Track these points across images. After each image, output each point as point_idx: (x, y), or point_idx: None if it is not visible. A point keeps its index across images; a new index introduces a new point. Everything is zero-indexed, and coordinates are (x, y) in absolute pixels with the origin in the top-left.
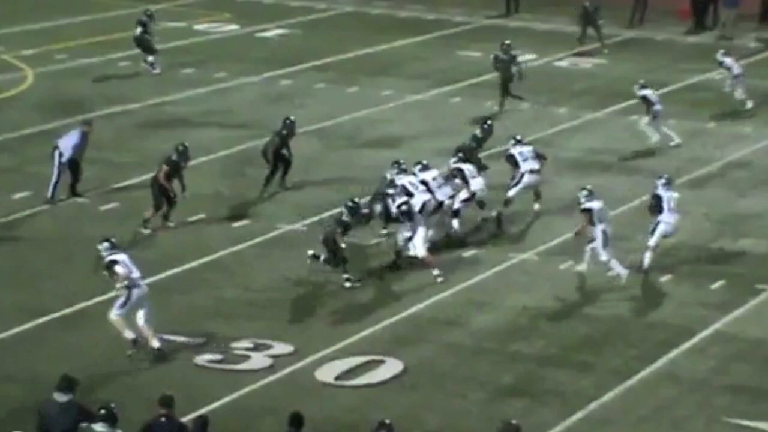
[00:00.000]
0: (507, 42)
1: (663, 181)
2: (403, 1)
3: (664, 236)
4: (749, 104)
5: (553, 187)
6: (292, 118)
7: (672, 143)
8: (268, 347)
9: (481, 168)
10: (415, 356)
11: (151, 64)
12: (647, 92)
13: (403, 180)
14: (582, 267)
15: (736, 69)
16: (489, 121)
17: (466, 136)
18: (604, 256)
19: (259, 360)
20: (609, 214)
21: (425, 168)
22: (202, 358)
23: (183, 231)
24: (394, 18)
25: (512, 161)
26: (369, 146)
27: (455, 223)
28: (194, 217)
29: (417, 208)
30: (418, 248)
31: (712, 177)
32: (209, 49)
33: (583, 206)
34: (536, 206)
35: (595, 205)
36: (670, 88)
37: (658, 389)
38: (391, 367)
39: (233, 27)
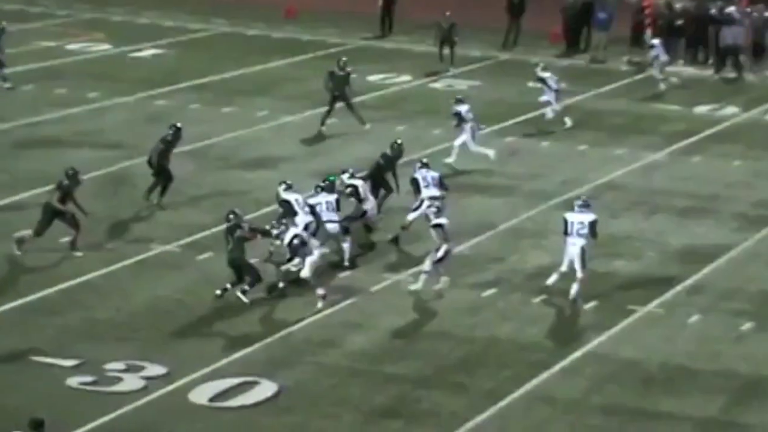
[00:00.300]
0: (344, 59)
1: (579, 203)
2: (278, 22)
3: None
4: (568, 122)
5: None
6: (179, 124)
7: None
8: (141, 369)
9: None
10: (289, 378)
11: (3, 78)
12: (462, 108)
13: (290, 196)
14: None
15: (554, 85)
16: (399, 141)
17: (340, 157)
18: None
19: (132, 382)
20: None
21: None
22: (74, 380)
23: (55, 252)
24: (269, 39)
25: (415, 185)
26: (244, 167)
27: (346, 244)
28: (66, 238)
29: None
30: (307, 270)
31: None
32: (82, 68)
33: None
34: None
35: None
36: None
37: (531, 410)
38: (266, 388)
39: (107, 47)
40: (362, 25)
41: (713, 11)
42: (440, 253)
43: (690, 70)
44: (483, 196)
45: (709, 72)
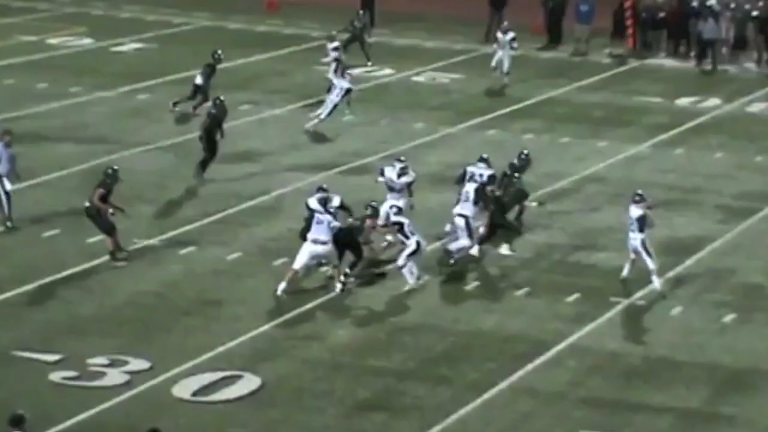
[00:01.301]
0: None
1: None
2: (261, 15)
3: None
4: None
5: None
6: (221, 97)
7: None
8: (125, 363)
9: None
10: (272, 372)
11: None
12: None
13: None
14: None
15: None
16: (526, 151)
17: (323, 151)
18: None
19: (115, 376)
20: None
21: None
22: (57, 375)
23: (38, 246)
24: (252, 32)
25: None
26: (227, 161)
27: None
28: (49, 233)
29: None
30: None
31: (567, 191)
32: (64, 63)
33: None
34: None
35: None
36: (526, 103)
37: (515, 402)
38: (249, 382)
39: (88, 41)
40: (343, 18)
41: (695, 4)
42: (411, 247)
43: (672, 63)
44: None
45: (690, 64)
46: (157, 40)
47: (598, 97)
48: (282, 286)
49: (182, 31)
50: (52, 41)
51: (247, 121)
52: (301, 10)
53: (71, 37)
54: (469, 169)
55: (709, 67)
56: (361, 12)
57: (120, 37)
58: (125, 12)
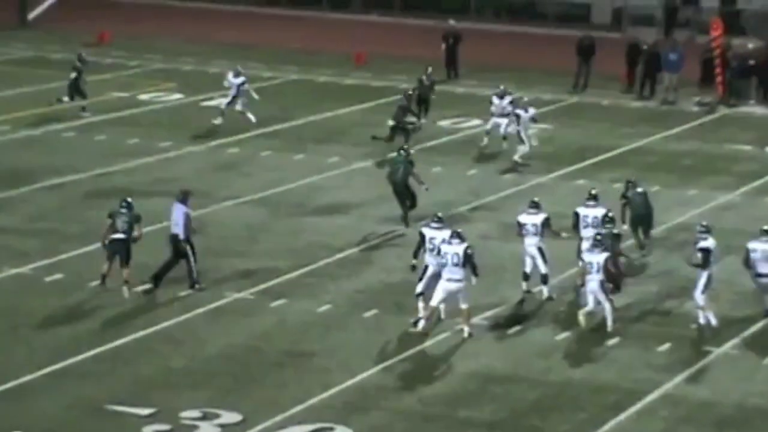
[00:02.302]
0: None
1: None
2: (349, 68)
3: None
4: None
5: (502, 251)
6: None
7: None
8: (217, 416)
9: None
10: (365, 423)
11: (83, 108)
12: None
13: None
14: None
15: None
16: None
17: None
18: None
19: (207, 430)
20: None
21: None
22: (150, 429)
23: (129, 301)
24: (339, 85)
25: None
26: (317, 213)
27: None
28: (143, 287)
29: None
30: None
31: (658, 240)
32: (154, 118)
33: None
34: None
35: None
36: (615, 152)
37: None
38: None
39: (178, 96)
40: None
41: None
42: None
43: (762, 110)
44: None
45: None
46: (248, 93)
47: (688, 146)
48: (422, 323)
49: (271, 84)
50: (143, 97)
51: (336, 173)
52: (388, 62)
53: (161, 93)
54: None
55: None
56: (429, 68)
57: (209, 91)
58: (214, 67)
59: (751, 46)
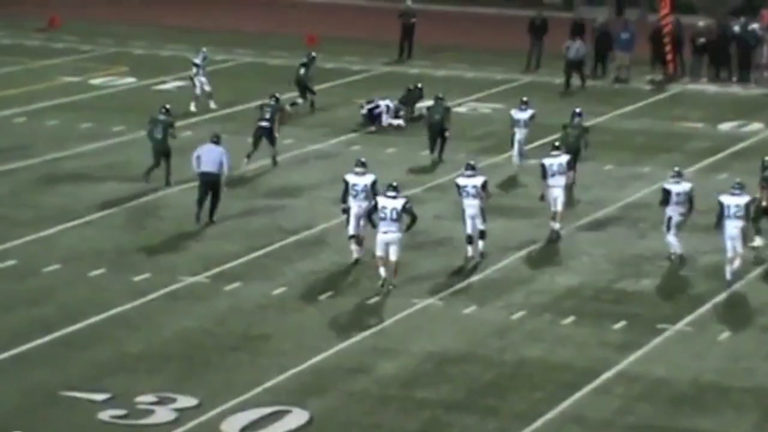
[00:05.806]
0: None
1: (735, 186)
2: (302, 51)
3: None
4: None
5: (457, 232)
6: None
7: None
8: (173, 401)
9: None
10: (320, 405)
11: (293, 104)
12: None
13: None
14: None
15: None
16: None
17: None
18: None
19: (163, 414)
20: None
21: None
22: (106, 414)
23: (84, 286)
24: (292, 68)
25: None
26: (270, 196)
27: None
28: (95, 272)
29: None
30: None
31: (612, 218)
32: (107, 102)
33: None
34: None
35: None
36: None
37: (563, 431)
38: (297, 417)
39: (130, 80)
40: (382, 51)
41: (737, 28)
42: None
43: (714, 88)
44: (509, 217)
45: (732, 89)
46: None
47: (640, 124)
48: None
49: (225, 67)
50: (95, 81)
51: (289, 155)
52: (340, 43)
53: (113, 77)
54: None
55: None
56: (440, 96)
57: (162, 75)
58: (166, 50)
59: (701, 24)
